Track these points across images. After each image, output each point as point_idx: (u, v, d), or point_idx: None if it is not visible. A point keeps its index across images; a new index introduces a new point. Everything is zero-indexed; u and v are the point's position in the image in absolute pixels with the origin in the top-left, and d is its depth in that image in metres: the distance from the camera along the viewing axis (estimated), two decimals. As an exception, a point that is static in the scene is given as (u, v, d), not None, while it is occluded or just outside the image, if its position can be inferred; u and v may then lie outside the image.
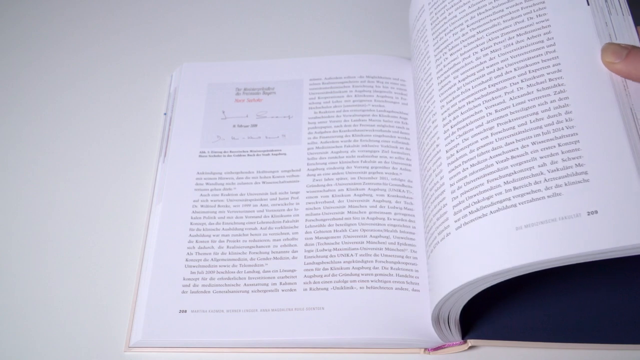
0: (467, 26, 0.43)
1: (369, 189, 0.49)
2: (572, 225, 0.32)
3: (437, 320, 0.40)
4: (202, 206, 0.50)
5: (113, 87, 0.60)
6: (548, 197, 0.33)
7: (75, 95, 0.60)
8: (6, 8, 0.66)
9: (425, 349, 0.44)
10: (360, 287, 0.45)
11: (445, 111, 0.41)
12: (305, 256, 0.47)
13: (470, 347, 0.43)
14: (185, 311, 0.45)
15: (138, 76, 0.61)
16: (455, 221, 0.37)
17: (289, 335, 0.44)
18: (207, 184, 0.51)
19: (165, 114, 0.57)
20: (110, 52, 0.63)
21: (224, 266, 0.47)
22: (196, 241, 0.48)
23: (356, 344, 0.44)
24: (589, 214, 0.31)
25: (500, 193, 0.35)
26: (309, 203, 0.49)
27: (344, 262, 0.46)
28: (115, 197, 0.53)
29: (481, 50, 0.41)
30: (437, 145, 0.41)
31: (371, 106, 0.54)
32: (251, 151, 0.53)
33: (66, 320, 0.47)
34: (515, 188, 0.35)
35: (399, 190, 0.49)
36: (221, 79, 0.58)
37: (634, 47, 0.36)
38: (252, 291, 0.46)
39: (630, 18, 0.39)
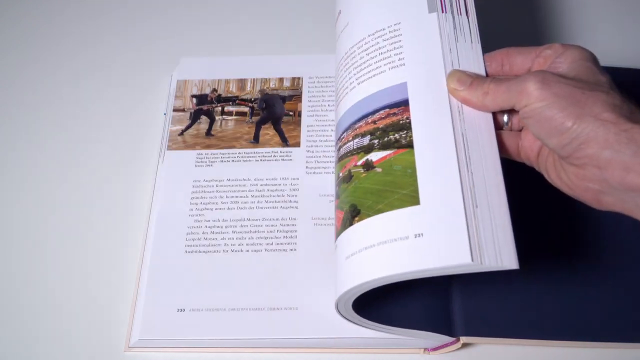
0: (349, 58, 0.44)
1: None
2: (401, 247, 0.33)
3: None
4: (199, 204, 0.50)
5: (113, 87, 0.60)
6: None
7: (75, 95, 0.60)
8: (6, 8, 0.66)
9: (425, 349, 0.44)
10: None
11: None
12: (304, 253, 0.47)
13: (465, 345, 0.43)
14: (184, 310, 0.45)
15: (138, 76, 0.61)
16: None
17: (287, 334, 0.43)
18: (203, 191, 0.51)
19: (165, 114, 0.57)
20: (110, 52, 0.63)
21: (224, 265, 0.47)
22: (193, 239, 0.48)
23: (356, 344, 0.43)
24: (416, 237, 0.33)
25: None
26: (307, 195, 0.50)
27: None
28: (115, 197, 0.53)
29: (350, 69, 0.43)
30: None
31: None
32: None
33: (66, 320, 0.47)
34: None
35: None
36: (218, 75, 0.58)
37: (477, 76, 0.37)
38: (251, 290, 0.45)
39: (478, 46, 0.39)
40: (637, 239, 0.46)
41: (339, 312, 0.38)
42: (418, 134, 0.36)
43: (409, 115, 0.37)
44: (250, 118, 0.56)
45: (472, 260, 0.31)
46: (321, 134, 0.53)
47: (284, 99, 0.56)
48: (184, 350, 0.45)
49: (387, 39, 0.41)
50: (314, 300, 0.44)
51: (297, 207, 0.49)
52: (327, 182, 0.50)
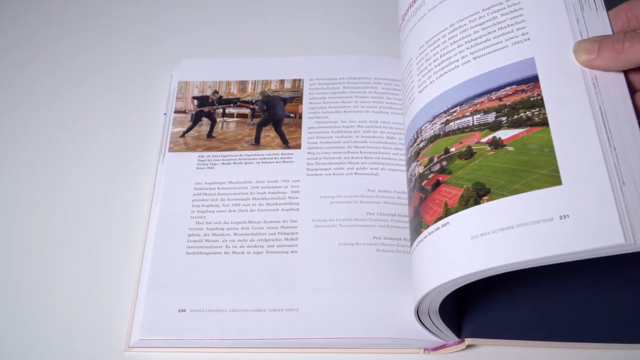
0: (450, 25, 0.43)
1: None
2: (545, 229, 0.32)
3: (417, 315, 0.40)
4: (201, 206, 0.50)
5: (113, 88, 0.60)
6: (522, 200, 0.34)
7: (75, 95, 0.60)
8: (6, 8, 0.66)
9: (425, 349, 0.44)
10: (358, 289, 0.45)
11: None
12: (305, 254, 0.47)
13: (469, 346, 0.43)
14: (185, 310, 0.45)
15: (138, 76, 0.61)
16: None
17: (287, 334, 0.44)
18: (204, 193, 0.51)
19: (165, 114, 0.57)
20: (110, 52, 0.63)
21: (225, 266, 0.47)
22: (194, 241, 0.48)
23: (356, 344, 0.44)
24: (561, 218, 0.32)
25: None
26: (307, 198, 0.50)
27: (341, 262, 0.46)
28: (115, 197, 0.53)
29: (461, 42, 0.42)
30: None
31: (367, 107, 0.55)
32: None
33: (66, 320, 0.47)
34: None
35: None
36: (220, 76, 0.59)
37: (603, 38, 0.35)
38: (252, 291, 0.46)
39: (604, 13, 0.38)
40: None
41: (422, 298, 0.37)
42: (553, 111, 0.35)
43: (540, 91, 0.36)
44: (251, 120, 0.56)
45: (625, 240, 0.30)
46: (322, 136, 0.54)
47: (284, 100, 0.57)
48: (184, 350, 0.45)
49: (506, 13, 0.40)
50: (315, 301, 0.45)
51: (298, 209, 0.49)
52: (328, 183, 0.51)
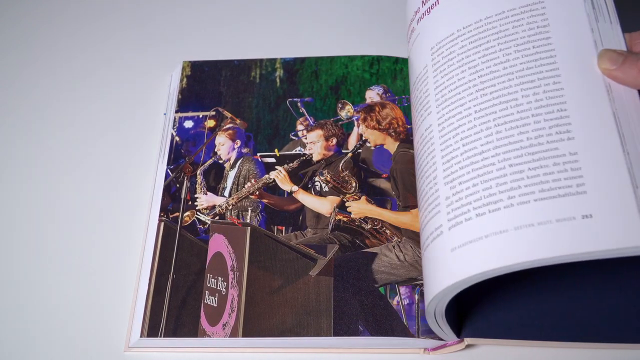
0: (468, 42, 0.43)
1: None
2: (567, 228, 0.32)
3: (432, 315, 0.40)
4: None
5: (113, 88, 0.60)
6: (543, 199, 0.34)
7: (75, 95, 0.60)
8: (6, 8, 0.66)
9: (425, 349, 0.44)
10: None
11: (442, 117, 0.41)
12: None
13: (468, 346, 0.43)
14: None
15: (138, 76, 0.61)
16: (449, 220, 0.37)
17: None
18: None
19: (165, 114, 0.57)
20: (110, 52, 0.63)
21: None
22: None
23: (357, 344, 0.44)
24: (583, 218, 0.32)
25: (494, 194, 0.36)
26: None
27: None
28: (115, 197, 0.53)
29: (481, 61, 0.41)
30: (433, 146, 0.41)
31: None
32: None
33: (66, 320, 0.47)
34: (511, 193, 0.35)
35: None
36: None
37: (629, 54, 0.36)
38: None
39: (618, 26, 0.39)
40: None
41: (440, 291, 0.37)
42: (575, 114, 0.36)
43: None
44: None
45: None
46: None
47: None
48: (184, 350, 0.45)
49: (529, 17, 0.41)
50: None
51: None
52: None
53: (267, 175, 0.51)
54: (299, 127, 0.54)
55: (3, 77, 0.61)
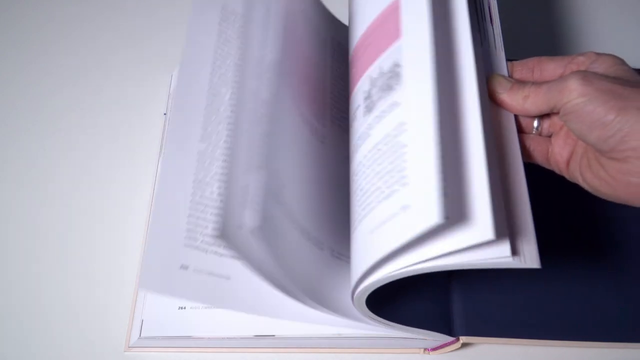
0: None
1: None
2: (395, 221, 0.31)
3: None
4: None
5: (113, 87, 0.60)
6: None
7: (75, 95, 0.60)
8: (6, 8, 0.66)
9: (425, 349, 0.44)
10: None
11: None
12: None
13: (465, 345, 0.43)
14: (184, 307, 0.45)
15: (138, 76, 0.61)
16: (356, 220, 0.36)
17: (288, 332, 0.43)
18: None
19: (165, 114, 0.57)
20: (110, 52, 0.63)
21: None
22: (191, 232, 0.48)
23: (356, 344, 0.44)
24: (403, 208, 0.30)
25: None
26: None
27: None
28: (115, 197, 0.53)
29: None
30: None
31: None
32: None
33: (66, 320, 0.47)
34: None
35: None
36: None
37: (516, 82, 0.37)
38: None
39: (502, 53, 0.40)
40: (637, 237, 0.47)
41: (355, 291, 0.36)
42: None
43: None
44: None
45: (513, 258, 0.30)
46: None
47: None
48: (185, 350, 0.45)
49: None
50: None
51: None
52: None
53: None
54: None
55: (2, 78, 0.61)
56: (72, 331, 0.46)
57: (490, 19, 0.41)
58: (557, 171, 0.39)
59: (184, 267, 0.38)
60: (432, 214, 0.28)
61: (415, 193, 0.30)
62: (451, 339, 0.42)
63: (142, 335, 0.44)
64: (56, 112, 0.59)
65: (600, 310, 0.43)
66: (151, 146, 0.55)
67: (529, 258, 0.30)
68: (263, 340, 0.44)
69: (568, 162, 0.38)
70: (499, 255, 0.30)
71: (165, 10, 0.66)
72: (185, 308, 0.45)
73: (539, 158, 0.39)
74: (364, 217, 0.34)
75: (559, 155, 0.38)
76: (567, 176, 0.38)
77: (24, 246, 0.51)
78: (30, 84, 0.61)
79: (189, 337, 0.44)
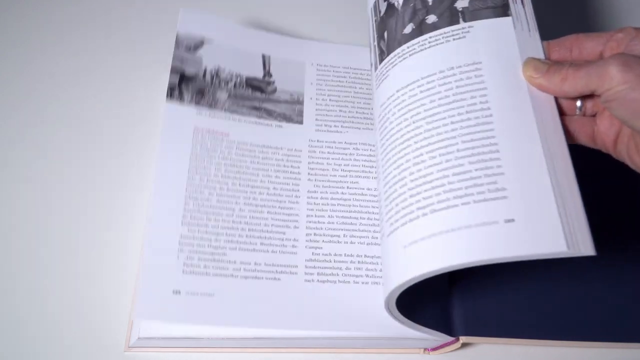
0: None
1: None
2: (490, 232, 0.33)
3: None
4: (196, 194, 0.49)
5: (113, 82, 0.60)
6: (465, 204, 0.34)
7: (75, 93, 0.60)
8: (6, 8, 0.66)
9: (425, 349, 0.44)
10: (356, 282, 0.45)
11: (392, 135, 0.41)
12: (306, 246, 0.47)
13: (465, 345, 0.43)
14: (180, 292, 0.44)
15: (138, 72, 0.60)
16: (390, 225, 0.38)
17: (287, 327, 0.43)
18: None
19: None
20: (110, 50, 0.63)
21: (221, 254, 0.46)
22: (189, 230, 0.48)
23: (356, 344, 0.44)
24: (506, 222, 0.32)
25: (429, 198, 0.36)
26: (310, 192, 0.49)
27: (345, 255, 0.46)
28: (115, 196, 0.53)
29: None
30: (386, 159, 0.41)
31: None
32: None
33: (66, 320, 0.47)
34: (441, 196, 0.35)
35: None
36: None
37: (554, 63, 0.37)
38: (249, 278, 0.45)
39: (537, 34, 0.39)
40: (636, 236, 0.47)
41: (388, 294, 0.37)
42: (498, 120, 0.36)
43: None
44: None
45: (568, 248, 0.31)
46: None
47: None
48: (184, 350, 0.45)
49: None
50: (317, 294, 0.44)
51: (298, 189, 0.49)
52: None
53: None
54: None
55: (2, 77, 0.61)
56: (72, 331, 0.46)
57: (521, 0, 0.41)
58: (603, 150, 0.38)
59: (177, 292, 0.42)
60: (559, 242, 0.31)
61: (523, 209, 0.32)
62: (451, 338, 0.42)
63: (142, 335, 0.44)
64: (56, 111, 0.58)
65: (600, 310, 0.43)
66: (151, 143, 0.55)
67: (584, 246, 0.31)
68: (263, 341, 0.44)
69: (615, 142, 0.37)
70: (555, 246, 0.31)
71: (166, 9, 0.66)
72: (180, 293, 0.44)
73: (584, 139, 0.38)
74: (431, 211, 0.35)
75: (605, 135, 0.37)
76: (614, 155, 0.38)
77: (24, 246, 0.50)
78: (30, 84, 0.60)
79: (188, 338, 0.44)
